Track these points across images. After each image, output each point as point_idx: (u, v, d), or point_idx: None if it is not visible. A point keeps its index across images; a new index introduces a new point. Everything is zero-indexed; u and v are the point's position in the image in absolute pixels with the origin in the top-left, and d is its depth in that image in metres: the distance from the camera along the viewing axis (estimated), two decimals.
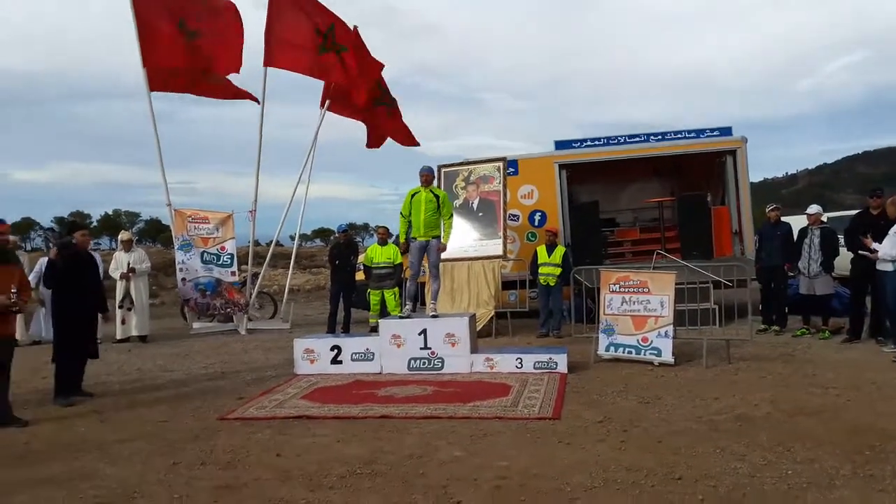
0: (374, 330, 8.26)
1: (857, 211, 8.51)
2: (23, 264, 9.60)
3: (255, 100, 11.11)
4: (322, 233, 72.14)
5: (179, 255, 10.66)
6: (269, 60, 10.70)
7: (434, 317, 7.05)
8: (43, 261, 8.12)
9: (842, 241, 7.87)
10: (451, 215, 7.49)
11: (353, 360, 6.89)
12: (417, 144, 12.42)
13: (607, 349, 6.90)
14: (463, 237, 9.35)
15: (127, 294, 9.92)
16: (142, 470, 3.96)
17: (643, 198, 12.22)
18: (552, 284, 8.91)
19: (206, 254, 10.71)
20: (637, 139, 10.80)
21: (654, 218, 11.92)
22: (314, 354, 6.97)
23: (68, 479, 3.84)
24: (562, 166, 10.46)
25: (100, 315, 6.46)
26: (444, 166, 10.21)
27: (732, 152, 10.21)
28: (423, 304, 8.62)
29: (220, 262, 10.76)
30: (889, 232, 6.60)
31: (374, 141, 12.29)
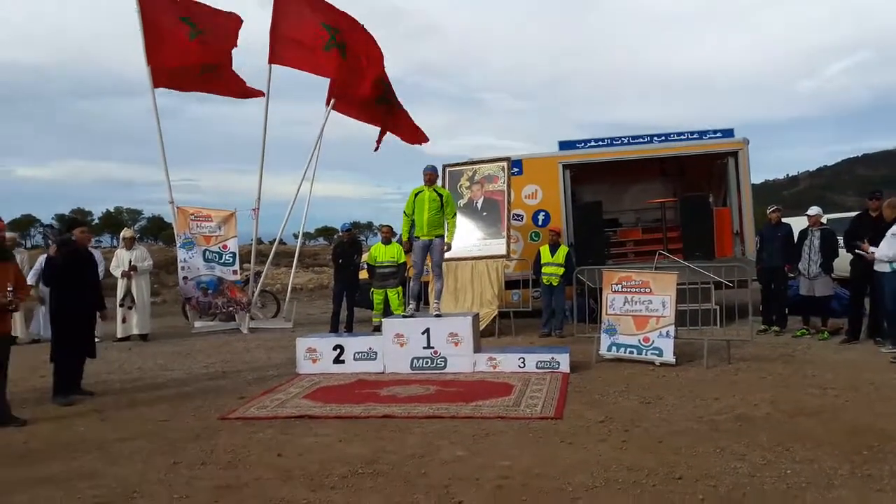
0: (378, 329, 8.26)
1: (856, 213, 8.52)
2: (19, 262, 9.69)
3: (262, 94, 11.13)
4: (325, 231, 72.21)
5: (181, 254, 10.66)
6: (274, 58, 10.72)
7: (437, 316, 7.05)
8: (43, 258, 8.12)
9: (841, 242, 7.88)
10: (455, 214, 7.51)
11: (355, 359, 6.89)
12: (426, 140, 12.30)
13: (609, 349, 6.90)
14: (467, 236, 9.35)
15: (128, 292, 9.92)
16: (142, 469, 3.96)
17: (646, 198, 12.22)
18: (555, 284, 8.92)
19: (208, 252, 10.71)
20: (640, 140, 10.82)
21: (657, 218, 11.92)
22: (317, 354, 6.97)
23: (67, 478, 3.83)
24: (566, 166, 10.47)
25: (98, 313, 6.46)
26: (449, 166, 10.22)
27: (734, 154, 10.21)
28: (427, 303, 8.62)
29: (223, 260, 10.76)
30: (887, 234, 6.62)
31: (379, 139, 12.25)
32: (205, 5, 10.80)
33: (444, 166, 10.11)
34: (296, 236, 13.49)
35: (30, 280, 9.23)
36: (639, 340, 6.75)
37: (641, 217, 12.49)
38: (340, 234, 11.53)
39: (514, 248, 9.97)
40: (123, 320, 9.92)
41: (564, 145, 10.87)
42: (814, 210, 8.23)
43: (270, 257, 12.37)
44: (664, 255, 8.52)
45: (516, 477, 3.61)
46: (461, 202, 9.77)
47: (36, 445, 4.56)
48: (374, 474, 3.74)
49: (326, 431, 4.63)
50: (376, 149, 12.15)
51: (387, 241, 9.77)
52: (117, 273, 10.01)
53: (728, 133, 10.48)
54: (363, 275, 10.12)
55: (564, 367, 6.35)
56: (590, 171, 11.07)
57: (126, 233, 10.85)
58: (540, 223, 10.43)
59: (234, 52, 11.12)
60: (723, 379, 5.89)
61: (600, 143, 10.85)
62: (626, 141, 10.83)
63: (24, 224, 64.90)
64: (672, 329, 6.60)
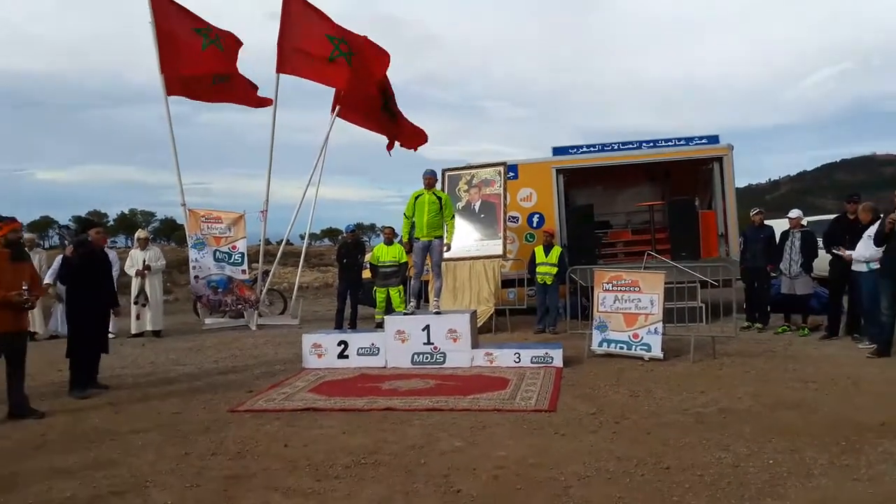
0: (380, 326, 8.25)
1: (835, 216, 8.54)
2: (37, 261, 9.66)
3: (271, 102, 11.13)
4: (331, 232, 72.21)
5: (193, 254, 10.65)
6: (282, 67, 10.71)
7: (437, 313, 7.04)
8: (60, 258, 8.10)
9: (821, 243, 7.89)
10: (453, 216, 7.50)
11: (359, 354, 6.88)
12: (426, 138, 12.24)
13: (600, 345, 6.90)
14: (465, 237, 9.35)
15: (142, 290, 9.91)
16: (154, 460, 3.94)
17: (635, 201, 12.24)
18: (549, 283, 8.92)
19: (218, 252, 10.70)
20: (630, 146, 10.84)
21: (646, 221, 11.94)
22: (322, 349, 6.96)
23: (83, 468, 3.82)
24: (559, 171, 10.49)
25: (111, 310, 6.43)
26: (448, 170, 10.22)
27: (719, 159, 10.22)
28: (427, 301, 8.61)
29: (232, 260, 10.75)
30: (863, 235, 6.64)
31: (390, 144, 12.21)
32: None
33: (444, 170, 10.11)
34: (302, 237, 13.50)
35: (48, 279, 9.22)
36: (629, 336, 6.74)
37: (631, 219, 12.50)
38: (345, 235, 11.52)
39: (510, 248, 9.96)
40: (138, 317, 9.91)
41: (558, 151, 10.88)
42: (795, 213, 8.25)
43: (278, 257, 12.34)
44: (653, 255, 8.52)
45: (512, 467, 3.60)
46: (459, 205, 9.76)
47: (53, 437, 4.55)
48: (375, 464, 3.73)
49: (331, 423, 4.62)
50: (390, 152, 12.13)
51: (389, 242, 9.77)
52: (132, 272, 9.99)
53: (713, 139, 10.50)
54: (366, 274, 10.12)
55: (558, 362, 6.35)
56: (582, 175, 11.09)
57: (140, 234, 10.85)
58: (534, 225, 10.44)
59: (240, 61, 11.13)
60: (708, 373, 5.89)
61: (592, 148, 10.87)
62: (616, 147, 10.86)
63: (43, 225, 64.80)
64: (660, 326, 6.60)
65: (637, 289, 6.79)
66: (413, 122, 12.07)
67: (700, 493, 3.14)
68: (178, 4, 10.47)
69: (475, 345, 6.80)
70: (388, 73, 11.19)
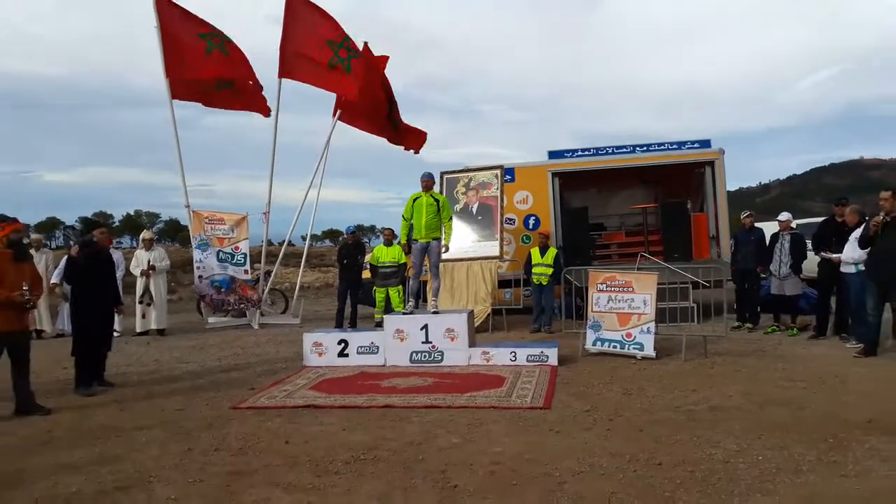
0: (379, 325, 8.24)
1: (823, 218, 8.56)
2: (44, 261, 9.64)
3: (269, 113, 11.11)
4: (331, 234, 72.13)
5: (197, 254, 10.63)
6: (284, 72, 10.70)
7: (435, 313, 7.03)
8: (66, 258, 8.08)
9: (810, 245, 7.91)
10: (451, 218, 7.49)
11: (358, 353, 6.87)
12: (425, 138, 12.20)
13: (594, 344, 6.90)
14: (462, 239, 9.37)
15: (147, 290, 9.89)
16: (158, 456, 3.94)
17: (629, 204, 12.25)
18: (544, 283, 8.92)
19: (221, 253, 10.69)
20: (624, 150, 10.86)
21: (639, 223, 11.94)
22: (322, 348, 6.95)
23: (88, 464, 3.81)
24: (555, 174, 10.50)
25: (115, 309, 6.42)
26: (446, 173, 10.22)
27: (711, 163, 10.25)
28: (425, 300, 8.61)
29: (235, 260, 10.74)
30: (850, 237, 6.66)
31: (408, 148, 12.12)
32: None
33: (442, 173, 10.11)
34: (304, 238, 13.50)
35: (54, 279, 9.20)
36: (622, 336, 6.75)
37: (625, 221, 12.52)
38: (345, 236, 11.51)
39: (507, 249, 9.97)
40: (143, 316, 9.90)
41: (554, 154, 10.89)
42: (784, 216, 8.26)
43: (280, 258, 12.32)
44: (646, 256, 8.55)
45: (507, 462, 3.60)
46: (457, 207, 9.77)
47: (59, 433, 4.54)
48: (374, 460, 3.73)
49: (331, 420, 4.62)
50: (416, 151, 12.07)
51: (388, 243, 9.76)
52: (137, 272, 9.98)
53: (705, 144, 10.51)
54: (366, 274, 10.11)
55: (553, 360, 6.35)
56: (577, 178, 11.09)
57: (145, 234, 10.84)
58: (531, 227, 10.45)
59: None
60: (699, 372, 5.90)
61: (587, 152, 10.88)
62: (610, 151, 10.87)
63: (49, 226, 64.62)
64: (653, 325, 6.60)
65: (630, 289, 6.79)
66: (412, 126, 12.06)
67: (691, 488, 3.15)
68: (182, 8, 10.45)
69: (472, 344, 6.80)
70: (388, 77, 11.19)
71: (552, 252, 9.07)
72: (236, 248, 10.79)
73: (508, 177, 10.17)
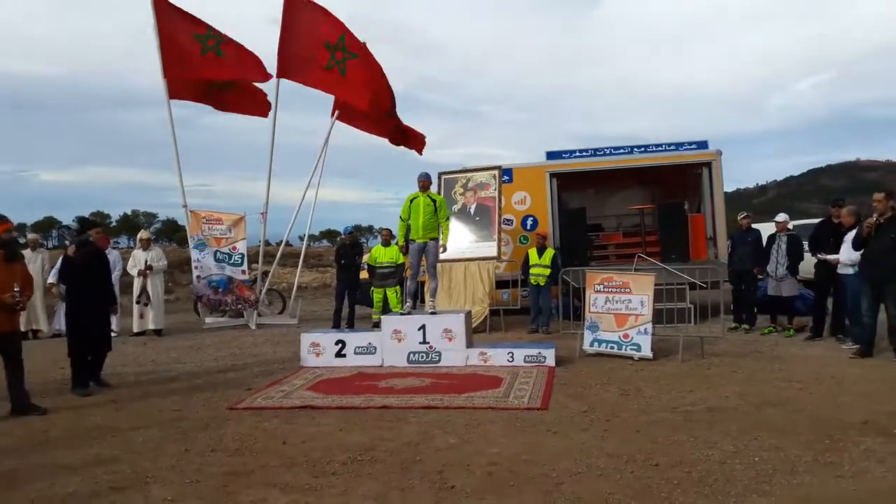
0: (377, 325, 8.24)
1: (820, 219, 8.58)
2: (40, 261, 9.60)
3: (266, 115, 11.09)
4: (329, 234, 72.05)
5: (195, 254, 10.61)
6: (282, 72, 10.69)
7: (433, 313, 7.03)
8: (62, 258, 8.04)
9: (806, 247, 7.93)
10: (448, 218, 7.49)
11: (356, 353, 6.87)
12: (424, 139, 12.18)
13: (592, 345, 6.91)
14: (460, 239, 9.38)
15: (144, 290, 9.87)
16: (155, 456, 3.93)
17: (626, 205, 12.27)
18: (542, 284, 8.92)
19: (218, 253, 10.66)
20: (622, 151, 10.87)
21: (636, 224, 11.97)
22: (320, 348, 6.94)
23: (85, 464, 3.80)
24: (553, 175, 10.51)
25: (110, 308, 6.39)
26: (444, 173, 10.22)
27: (708, 164, 10.28)
28: (423, 301, 8.61)
29: (232, 261, 10.72)
30: (844, 239, 6.68)
31: (411, 147, 12.08)
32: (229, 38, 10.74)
33: (440, 174, 10.11)
34: (301, 238, 13.45)
35: (51, 278, 9.17)
36: (619, 337, 6.75)
37: (622, 222, 12.54)
38: (343, 236, 11.50)
39: (505, 250, 9.97)
40: (141, 316, 9.87)
41: (551, 155, 10.90)
42: (781, 217, 8.28)
43: (277, 258, 12.30)
44: (643, 257, 8.56)
45: (505, 463, 3.60)
46: (455, 207, 9.77)
47: (55, 433, 4.52)
48: (372, 461, 3.72)
49: (328, 421, 4.61)
50: (420, 151, 12.06)
51: (386, 244, 9.76)
52: (134, 272, 9.96)
53: (702, 145, 10.54)
54: (364, 275, 10.10)
55: (550, 361, 6.35)
56: (575, 179, 11.11)
57: (142, 234, 10.81)
58: (528, 227, 10.46)
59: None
60: (696, 373, 5.91)
61: (585, 153, 10.89)
62: (608, 152, 10.89)
63: (46, 226, 64.41)
64: (650, 326, 6.61)
65: (628, 290, 6.80)
66: (411, 127, 12.03)
67: (688, 489, 3.15)
68: (179, 8, 10.42)
69: (470, 344, 6.80)
70: (388, 84, 11.11)
71: (550, 253, 9.07)
72: (234, 248, 10.76)
73: (506, 177, 10.18)
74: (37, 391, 5.47)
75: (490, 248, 9.42)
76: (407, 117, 11.91)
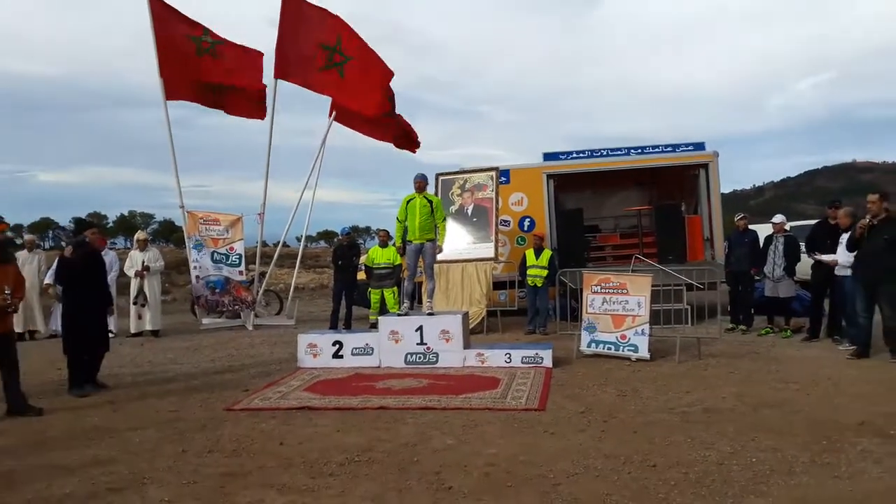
0: (374, 326, 8.23)
1: (817, 221, 8.62)
2: (37, 262, 9.56)
3: (263, 117, 11.08)
4: (326, 235, 71.86)
5: (193, 254, 10.59)
6: (279, 73, 10.69)
7: (430, 314, 7.03)
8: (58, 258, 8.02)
9: (803, 248, 7.95)
10: (444, 218, 7.49)
11: (353, 354, 6.86)
12: (418, 143, 12.17)
13: (589, 345, 6.91)
14: (458, 240, 9.38)
15: (141, 291, 9.85)
16: (152, 457, 3.92)
17: (623, 206, 12.30)
18: (539, 285, 8.93)
19: (216, 253, 10.65)
20: (618, 152, 10.88)
21: (633, 225, 11.99)
22: (317, 349, 6.94)
23: (82, 466, 3.79)
24: (550, 176, 10.52)
25: (107, 309, 6.38)
26: (442, 174, 10.21)
27: (705, 166, 10.30)
28: (420, 302, 8.61)
29: (229, 261, 10.71)
30: (840, 240, 6.71)
31: (409, 148, 12.06)
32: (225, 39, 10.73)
33: (437, 175, 10.11)
34: (298, 239, 13.39)
35: (48, 279, 9.13)
36: (616, 338, 6.76)
37: (619, 223, 12.56)
38: (340, 237, 11.48)
39: (502, 251, 9.98)
40: (139, 317, 9.85)
41: (549, 156, 10.91)
42: (778, 218, 8.31)
43: (274, 259, 12.29)
44: (640, 258, 8.56)
45: (502, 464, 3.60)
46: (453, 208, 9.77)
47: (53, 434, 4.51)
48: (369, 462, 3.72)
49: (325, 422, 4.60)
50: (414, 151, 12.05)
51: (383, 245, 9.75)
52: (131, 273, 9.93)
53: (699, 146, 10.56)
54: (361, 275, 10.09)
55: (548, 362, 6.36)
56: (572, 180, 11.12)
57: (139, 235, 10.77)
58: (525, 228, 10.46)
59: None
60: (693, 374, 5.92)
61: (582, 154, 10.90)
62: (605, 153, 10.90)
63: (43, 227, 64.17)
64: (647, 327, 6.62)
65: (625, 291, 6.81)
66: (411, 127, 12.02)
67: (685, 490, 3.16)
68: (174, 9, 10.41)
69: (467, 345, 6.80)
70: (389, 85, 11.08)
71: (547, 254, 9.09)
72: (231, 248, 10.76)
73: (503, 178, 10.18)
74: (34, 392, 5.45)
75: (487, 249, 9.42)
76: (406, 117, 11.91)
